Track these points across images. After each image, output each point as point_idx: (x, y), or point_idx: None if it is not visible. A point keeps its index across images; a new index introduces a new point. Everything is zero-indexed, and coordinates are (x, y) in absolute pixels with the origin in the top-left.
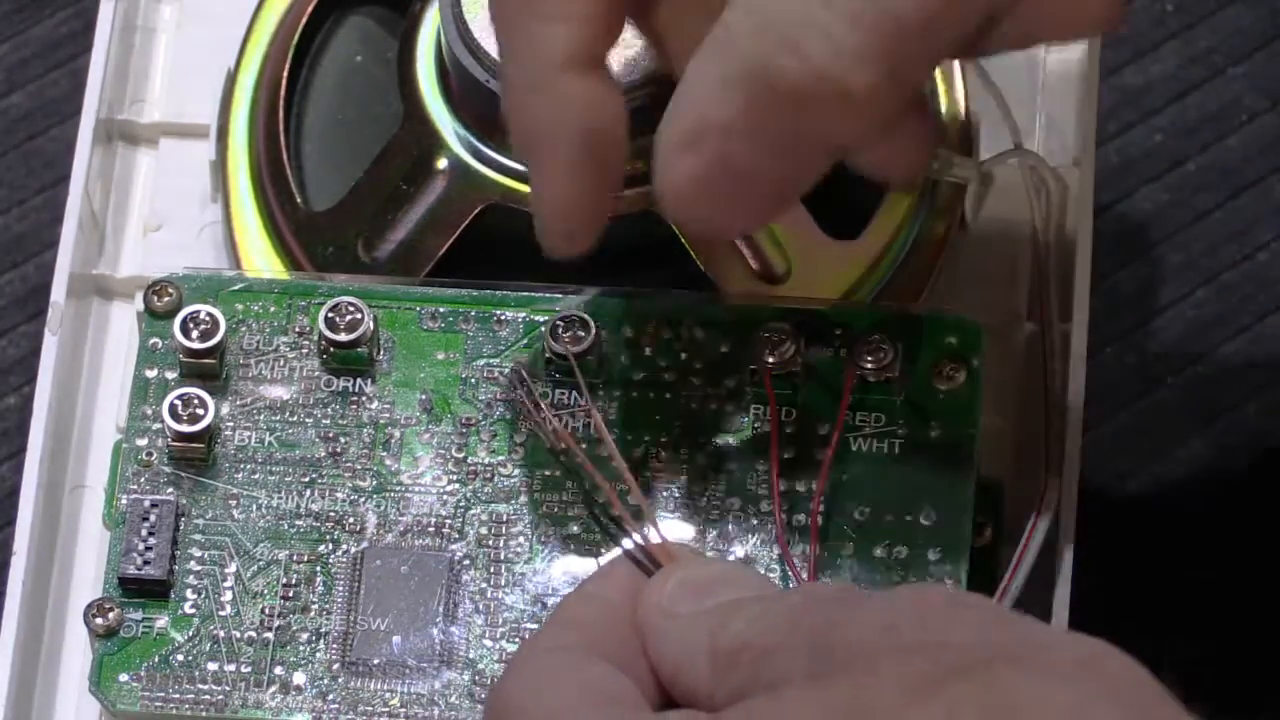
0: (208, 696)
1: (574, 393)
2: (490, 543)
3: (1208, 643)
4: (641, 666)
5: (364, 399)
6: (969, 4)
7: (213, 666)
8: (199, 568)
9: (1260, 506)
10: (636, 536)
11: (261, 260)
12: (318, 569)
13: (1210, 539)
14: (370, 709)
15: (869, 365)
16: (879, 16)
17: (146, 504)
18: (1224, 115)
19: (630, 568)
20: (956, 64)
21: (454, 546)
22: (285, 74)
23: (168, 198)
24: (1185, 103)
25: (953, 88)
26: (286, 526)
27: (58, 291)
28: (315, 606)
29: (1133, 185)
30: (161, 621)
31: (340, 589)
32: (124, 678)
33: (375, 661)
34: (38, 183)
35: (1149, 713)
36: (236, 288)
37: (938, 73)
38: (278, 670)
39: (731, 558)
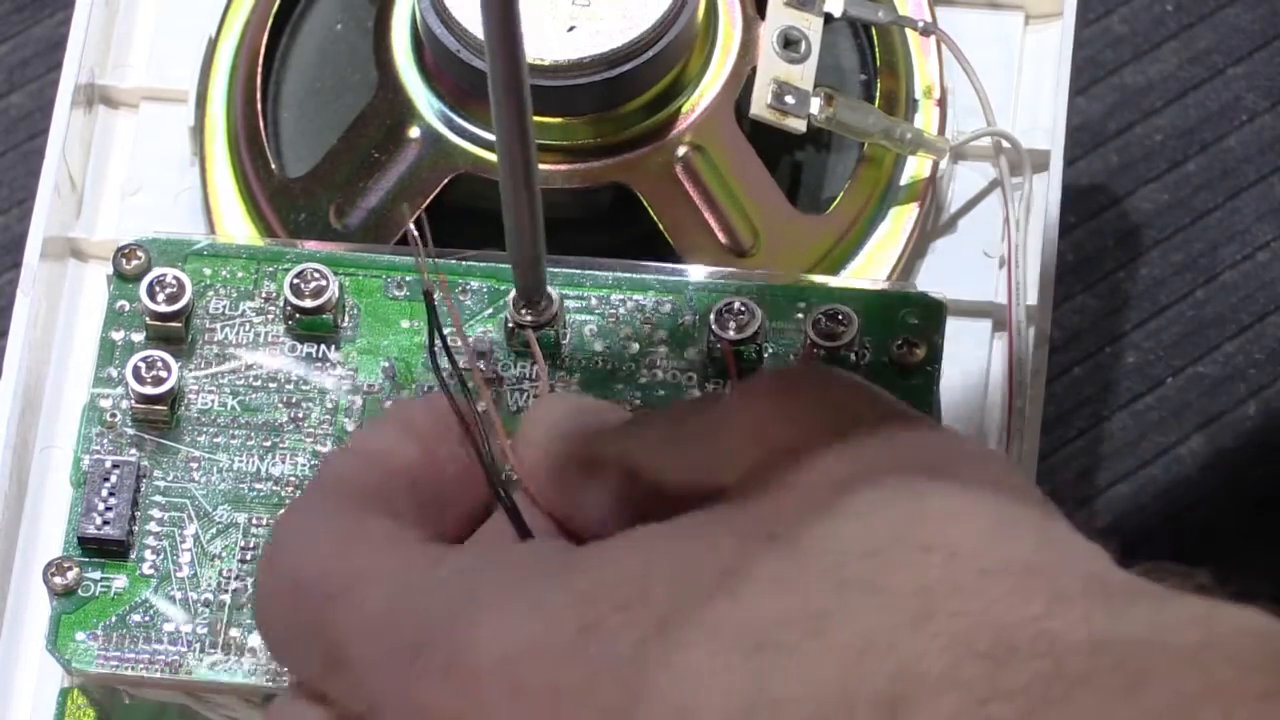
0: (163, 657)
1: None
2: None
3: None
4: (426, 516)
5: (328, 365)
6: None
7: (169, 627)
8: (158, 529)
9: (1261, 507)
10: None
11: (236, 225)
12: None
13: (1210, 539)
14: None
15: (830, 340)
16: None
17: (108, 464)
18: (1224, 115)
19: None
20: (931, 40)
21: None
22: (264, 41)
23: (147, 162)
24: (1185, 103)
25: (926, 63)
26: (246, 490)
27: (31, 253)
28: None
29: (1133, 185)
30: (120, 581)
31: None
32: (80, 636)
33: None
34: (38, 183)
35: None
36: (205, 252)
37: (912, 46)
38: (233, 633)
39: None
